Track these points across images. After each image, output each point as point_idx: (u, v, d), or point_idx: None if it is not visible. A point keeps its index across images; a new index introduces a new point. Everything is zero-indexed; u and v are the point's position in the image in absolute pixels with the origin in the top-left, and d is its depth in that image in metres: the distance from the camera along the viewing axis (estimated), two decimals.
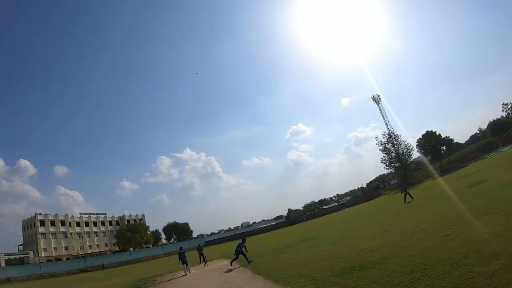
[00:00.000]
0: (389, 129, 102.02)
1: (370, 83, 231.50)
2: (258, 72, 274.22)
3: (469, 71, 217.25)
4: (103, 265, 68.33)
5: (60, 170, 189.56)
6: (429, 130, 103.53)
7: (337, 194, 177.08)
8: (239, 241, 21.67)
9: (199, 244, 33.75)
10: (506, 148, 69.31)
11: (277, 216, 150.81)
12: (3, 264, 78.50)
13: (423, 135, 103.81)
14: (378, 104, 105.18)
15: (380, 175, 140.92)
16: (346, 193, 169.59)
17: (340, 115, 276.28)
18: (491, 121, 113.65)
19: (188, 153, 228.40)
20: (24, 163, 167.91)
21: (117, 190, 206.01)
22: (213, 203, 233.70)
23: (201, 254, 29.87)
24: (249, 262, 19.93)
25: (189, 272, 22.18)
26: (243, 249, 20.91)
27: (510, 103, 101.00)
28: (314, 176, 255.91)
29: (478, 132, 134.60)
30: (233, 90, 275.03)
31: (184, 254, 23.80)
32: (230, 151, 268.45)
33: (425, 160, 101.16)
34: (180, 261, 23.48)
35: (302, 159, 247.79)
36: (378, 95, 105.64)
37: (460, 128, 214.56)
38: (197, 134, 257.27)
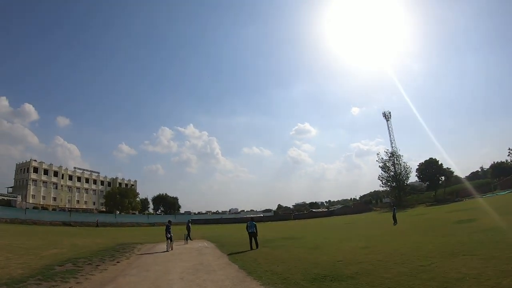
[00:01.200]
0: (393, 148, 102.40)
1: (383, 98, 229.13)
2: (275, 64, 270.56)
3: (487, 107, 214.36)
4: (97, 222, 69.20)
5: (62, 121, 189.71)
6: (432, 157, 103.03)
7: (329, 200, 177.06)
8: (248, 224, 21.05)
9: (189, 221, 33.76)
10: (504, 192, 68.67)
11: (266, 209, 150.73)
12: None
13: (425, 161, 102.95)
14: (387, 120, 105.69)
15: (374, 190, 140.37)
16: (338, 201, 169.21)
17: (348, 123, 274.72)
18: (495, 162, 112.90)
19: (191, 129, 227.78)
20: (29, 107, 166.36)
21: (114, 151, 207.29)
22: (205, 184, 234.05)
23: (188, 231, 29.96)
24: (257, 247, 19.99)
25: (171, 250, 21.78)
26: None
27: None
28: (310, 178, 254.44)
29: (479, 170, 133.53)
30: (248, 76, 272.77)
31: (170, 229, 22.72)
32: (232, 135, 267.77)
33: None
34: (167, 235, 22.41)
35: (302, 159, 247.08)
36: (389, 112, 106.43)
37: (462, 162, 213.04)
38: (204, 112, 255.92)
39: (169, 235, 22.12)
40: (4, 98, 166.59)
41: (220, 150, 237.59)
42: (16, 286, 9.80)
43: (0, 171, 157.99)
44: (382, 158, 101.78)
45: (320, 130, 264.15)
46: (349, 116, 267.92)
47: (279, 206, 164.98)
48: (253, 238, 20.26)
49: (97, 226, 66.71)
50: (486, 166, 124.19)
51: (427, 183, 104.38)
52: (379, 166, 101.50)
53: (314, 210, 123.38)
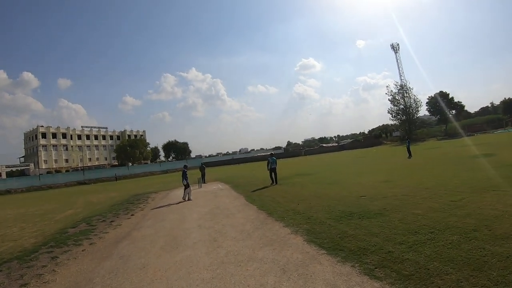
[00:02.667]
0: (402, 80, 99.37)
1: (390, 30, 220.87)
2: None
3: (497, 43, 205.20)
4: (115, 176, 70.76)
5: (64, 82, 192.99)
6: (443, 90, 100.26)
7: (338, 135, 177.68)
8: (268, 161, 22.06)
9: (202, 164, 33.45)
10: None
11: (275, 147, 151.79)
12: (4, 176, 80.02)
13: (435, 94, 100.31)
14: (396, 53, 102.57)
15: (383, 124, 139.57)
16: (346, 135, 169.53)
17: (353, 56, 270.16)
18: (506, 98, 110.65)
19: (193, 73, 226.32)
20: (27, 75, 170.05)
21: (119, 104, 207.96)
22: (213, 126, 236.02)
23: (203, 174, 29.64)
24: (276, 182, 21.11)
25: (187, 199, 19.19)
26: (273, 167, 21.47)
27: None
28: (317, 113, 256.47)
29: (490, 106, 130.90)
30: (247, 13, 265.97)
31: (187, 175, 19.98)
32: (236, 75, 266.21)
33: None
34: (183, 181, 19.64)
35: (308, 94, 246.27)
36: (398, 44, 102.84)
37: (472, 97, 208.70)
38: (205, 55, 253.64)
39: (185, 182, 19.79)
40: (1, 71, 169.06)
41: (225, 91, 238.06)
42: (27, 258, 9.26)
43: (9, 143, 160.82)
44: (391, 90, 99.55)
45: (325, 65, 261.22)
46: (355, 50, 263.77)
47: (289, 143, 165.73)
48: (273, 173, 21.26)
49: (116, 180, 68.26)
50: (497, 102, 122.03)
51: (438, 116, 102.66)
52: (388, 99, 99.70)
53: (324, 145, 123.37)
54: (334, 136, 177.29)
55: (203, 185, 27.49)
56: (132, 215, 15.75)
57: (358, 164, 32.28)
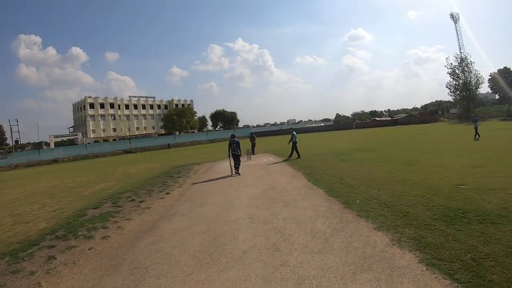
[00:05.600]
0: (462, 53, 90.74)
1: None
2: None
3: None
4: (168, 144, 71.30)
5: (111, 56, 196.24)
6: (507, 66, 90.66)
7: (388, 109, 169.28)
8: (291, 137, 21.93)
9: (252, 133, 30.82)
10: None
11: (324, 119, 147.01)
12: (52, 146, 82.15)
13: (498, 70, 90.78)
14: (455, 23, 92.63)
15: (436, 100, 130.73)
16: (397, 110, 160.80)
17: (404, 28, 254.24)
18: None
19: (240, 44, 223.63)
20: (76, 50, 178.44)
21: (167, 76, 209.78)
22: (261, 96, 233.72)
23: (253, 145, 27.19)
24: (298, 156, 20.98)
25: (235, 173, 16.84)
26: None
27: None
28: (367, 86, 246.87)
29: None
30: None
31: (238, 145, 17.50)
32: (283, 46, 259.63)
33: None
34: (229, 153, 17.49)
35: (357, 66, 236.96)
36: (458, 14, 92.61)
37: None
38: (251, 25, 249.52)
39: (238, 153, 17.41)
40: (50, 47, 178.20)
41: (272, 62, 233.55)
42: (21, 255, 7.00)
43: (62, 115, 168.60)
44: (451, 63, 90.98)
45: (375, 36, 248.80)
46: (406, 20, 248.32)
47: (337, 115, 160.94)
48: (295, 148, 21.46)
49: (169, 147, 68.83)
50: None
51: (498, 95, 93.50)
52: (448, 72, 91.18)
53: (377, 118, 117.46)
54: (384, 110, 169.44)
55: (252, 156, 24.81)
56: (167, 193, 13.28)
57: (423, 142, 27.33)
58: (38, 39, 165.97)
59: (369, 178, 12.03)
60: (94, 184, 19.00)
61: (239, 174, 16.65)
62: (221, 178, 16.36)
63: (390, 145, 26.26)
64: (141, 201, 11.96)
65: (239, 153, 17.59)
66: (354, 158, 18.56)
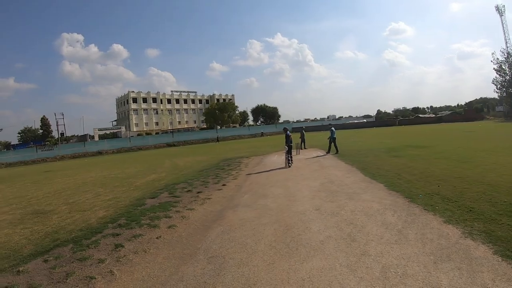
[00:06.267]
0: (509, 48, 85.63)
1: None
2: None
3: None
4: (217, 138, 72.00)
5: (152, 52, 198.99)
6: None
7: (431, 106, 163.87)
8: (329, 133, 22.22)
9: (303, 128, 30.47)
10: None
11: (365, 115, 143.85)
12: (96, 138, 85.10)
13: None
14: (501, 16, 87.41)
15: (480, 97, 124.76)
16: (441, 107, 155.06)
17: (446, 21, 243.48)
18: None
19: (279, 39, 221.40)
20: (117, 47, 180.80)
21: (207, 71, 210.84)
22: (301, 92, 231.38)
23: (303, 139, 26.71)
24: (336, 151, 21.10)
25: (288, 166, 17.11)
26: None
27: None
28: (409, 81, 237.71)
29: None
30: None
31: (291, 138, 18.01)
32: (323, 40, 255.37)
33: None
34: (286, 146, 17.71)
35: (399, 61, 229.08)
36: (503, 6, 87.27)
37: None
38: (290, 20, 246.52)
39: (291, 145, 17.85)
40: (92, 45, 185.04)
41: (312, 57, 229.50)
42: (86, 242, 6.92)
43: (104, 109, 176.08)
44: (497, 58, 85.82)
45: (416, 30, 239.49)
46: (448, 13, 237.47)
47: (379, 112, 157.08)
48: (334, 143, 21.72)
49: (218, 141, 69.10)
50: None
51: None
52: (494, 68, 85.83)
53: (420, 115, 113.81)
54: (427, 107, 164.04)
55: (301, 151, 24.30)
56: (223, 185, 13.03)
57: (474, 140, 26.09)
58: (80, 37, 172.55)
59: (426, 174, 11.50)
60: (144, 175, 19.07)
61: (290, 165, 17.07)
62: (274, 171, 16.09)
63: (439, 142, 24.95)
64: (198, 192, 11.76)
65: (291, 146, 18.03)
66: (406, 154, 17.72)
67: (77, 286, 4.91)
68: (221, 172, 16.87)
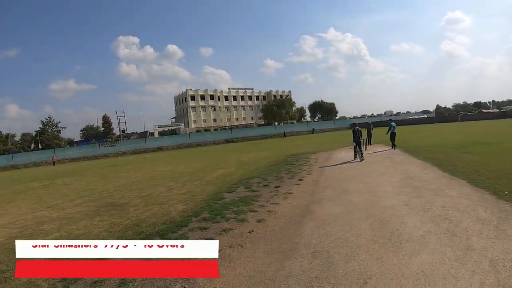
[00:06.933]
0: None
1: None
2: None
3: None
4: (284, 133, 72.48)
5: (206, 51, 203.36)
6: None
7: (493, 100, 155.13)
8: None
9: (370, 123, 29.56)
10: None
11: (423, 110, 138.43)
12: (156, 135, 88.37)
13: None
14: None
15: None
16: (503, 101, 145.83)
17: (507, 7, 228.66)
18: None
19: (332, 33, 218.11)
20: (172, 47, 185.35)
21: (261, 68, 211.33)
22: (356, 87, 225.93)
23: (369, 134, 25.89)
24: (393, 146, 21.19)
25: (359, 160, 17.30)
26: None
27: None
28: (468, 74, 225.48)
29: None
30: None
31: (361, 133, 18.29)
32: (377, 33, 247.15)
33: None
34: (354, 140, 17.93)
35: (457, 53, 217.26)
36: None
37: None
38: (342, 14, 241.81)
39: (360, 140, 17.91)
40: (148, 46, 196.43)
41: (367, 51, 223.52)
42: (173, 235, 6.76)
43: (162, 107, 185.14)
44: None
45: (475, 18, 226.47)
46: (508, 0, 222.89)
47: (438, 107, 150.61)
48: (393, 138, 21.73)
49: (285, 136, 69.11)
50: None
51: None
52: None
53: (484, 110, 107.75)
54: (489, 101, 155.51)
55: (368, 147, 23.50)
56: (300, 180, 12.69)
57: None
58: (136, 40, 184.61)
59: (506, 171, 10.50)
60: (212, 170, 19.22)
61: (363, 159, 17.17)
62: (347, 166, 15.70)
63: (509, 138, 23.27)
64: (276, 187, 11.54)
65: (361, 141, 18.12)
66: (477, 151, 16.34)
67: (176, 282, 4.68)
68: (292, 168, 16.58)
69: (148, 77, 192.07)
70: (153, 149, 64.71)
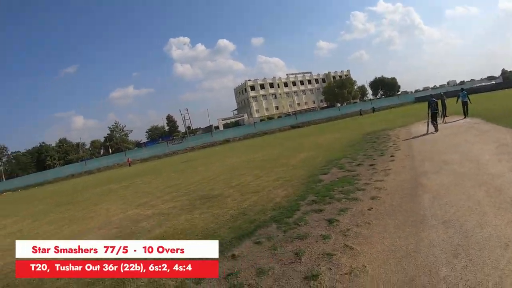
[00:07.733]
0: None
1: None
2: None
3: None
4: (360, 111, 71.01)
5: (257, 41, 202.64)
6: None
7: None
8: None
9: (441, 94, 28.42)
10: None
11: (488, 77, 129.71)
12: (221, 128, 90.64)
13: None
14: None
15: None
16: None
17: None
18: None
19: (382, 5, 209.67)
20: (223, 42, 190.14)
21: (314, 51, 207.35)
22: (414, 59, 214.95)
23: (444, 106, 24.92)
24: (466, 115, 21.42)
25: (434, 131, 17.50)
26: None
27: None
28: None
29: None
30: None
31: (437, 104, 18.58)
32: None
33: None
34: (430, 112, 18.10)
35: None
36: None
37: None
38: None
39: (436, 111, 18.23)
40: (199, 44, 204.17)
41: (421, 20, 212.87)
42: (289, 220, 6.89)
43: (220, 101, 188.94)
44: None
45: None
46: None
47: (504, 71, 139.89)
48: (465, 107, 21.88)
49: (361, 115, 67.69)
50: None
51: None
52: None
53: None
54: None
55: (445, 118, 22.68)
56: (391, 156, 12.57)
57: None
58: (186, 40, 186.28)
59: None
60: (292, 155, 19.35)
61: (437, 131, 17.50)
62: (431, 139, 15.39)
63: None
64: (371, 165, 11.49)
65: (437, 112, 18.77)
66: None
67: (319, 265, 4.75)
68: (376, 145, 16.36)
69: (203, 74, 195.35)
70: (220, 142, 66.36)
